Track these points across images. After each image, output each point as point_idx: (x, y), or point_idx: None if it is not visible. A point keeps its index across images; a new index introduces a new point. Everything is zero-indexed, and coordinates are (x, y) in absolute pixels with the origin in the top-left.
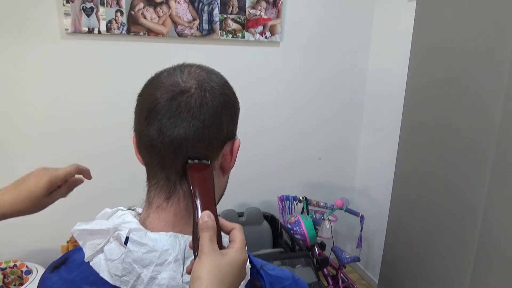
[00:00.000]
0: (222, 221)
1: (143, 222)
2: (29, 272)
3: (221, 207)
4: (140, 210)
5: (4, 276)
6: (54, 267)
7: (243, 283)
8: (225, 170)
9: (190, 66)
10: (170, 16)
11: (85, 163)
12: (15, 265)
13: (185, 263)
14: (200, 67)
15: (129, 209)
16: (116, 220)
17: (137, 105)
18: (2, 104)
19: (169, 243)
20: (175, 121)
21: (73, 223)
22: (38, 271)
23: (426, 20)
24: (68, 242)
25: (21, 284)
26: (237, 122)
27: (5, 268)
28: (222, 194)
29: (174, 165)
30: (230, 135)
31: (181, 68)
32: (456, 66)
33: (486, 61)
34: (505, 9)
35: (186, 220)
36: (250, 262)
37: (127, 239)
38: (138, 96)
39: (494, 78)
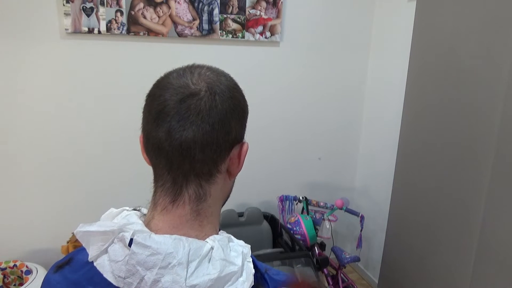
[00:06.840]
0: None
1: (147, 224)
2: (29, 272)
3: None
4: (145, 210)
5: (4, 276)
6: (58, 267)
7: None
8: (231, 174)
9: (200, 67)
10: (170, 16)
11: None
12: (15, 265)
13: (188, 267)
14: (210, 69)
15: (134, 209)
16: (121, 221)
17: (145, 105)
18: (2, 104)
19: (173, 246)
20: (184, 124)
21: (74, 223)
22: (38, 271)
23: (426, 20)
24: (68, 242)
25: (21, 284)
26: (245, 125)
27: (5, 268)
28: (227, 197)
29: (181, 168)
30: (238, 139)
31: (191, 69)
32: (456, 66)
33: (486, 61)
34: (505, 9)
35: (191, 223)
36: (254, 267)
37: (131, 240)
38: (146, 96)
39: (494, 78)
